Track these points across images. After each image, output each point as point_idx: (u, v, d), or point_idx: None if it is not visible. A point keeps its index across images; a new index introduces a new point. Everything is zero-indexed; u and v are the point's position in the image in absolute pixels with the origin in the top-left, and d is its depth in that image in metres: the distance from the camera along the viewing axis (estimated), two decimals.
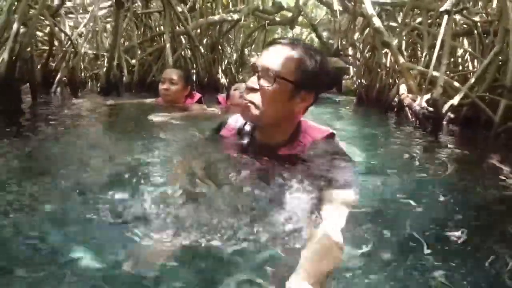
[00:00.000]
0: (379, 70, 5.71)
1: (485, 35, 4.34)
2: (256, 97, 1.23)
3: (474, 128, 3.52)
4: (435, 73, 3.57)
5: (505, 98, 2.93)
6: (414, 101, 3.63)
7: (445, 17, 3.26)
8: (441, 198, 1.44)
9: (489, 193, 1.59)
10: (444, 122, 3.52)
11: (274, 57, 1.22)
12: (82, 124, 2.47)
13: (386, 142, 2.78)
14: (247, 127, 1.41)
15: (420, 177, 1.73)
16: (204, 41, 7.08)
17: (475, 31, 4.47)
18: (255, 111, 1.24)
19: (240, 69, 8.63)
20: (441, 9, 3.05)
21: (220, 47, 7.51)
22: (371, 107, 5.35)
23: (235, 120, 1.46)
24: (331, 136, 1.35)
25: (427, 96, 3.57)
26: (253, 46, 9.60)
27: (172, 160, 1.57)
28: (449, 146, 2.75)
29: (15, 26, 2.72)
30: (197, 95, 3.27)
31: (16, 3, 3.09)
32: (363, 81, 6.41)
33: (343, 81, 8.77)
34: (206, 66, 6.77)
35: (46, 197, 1.19)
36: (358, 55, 6.23)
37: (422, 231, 1.09)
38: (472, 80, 3.52)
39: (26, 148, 1.79)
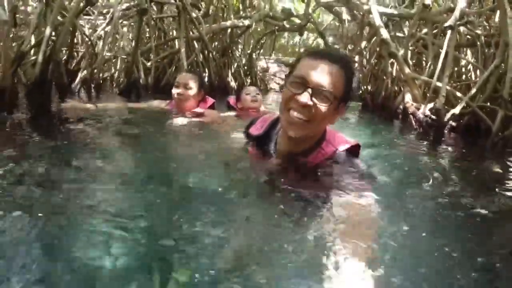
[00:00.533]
0: (384, 78, 5.90)
1: (488, 46, 4.53)
2: (309, 114, 1.27)
3: (475, 136, 3.71)
4: (438, 84, 3.77)
5: (503, 109, 3.11)
6: (418, 109, 3.82)
7: (449, 31, 3.45)
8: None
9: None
10: (446, 130, 3.71)
11: (328, 76, 1.26)
12: (107, 128, 2.62)
13: (391, 149, 2.97)
14: (274, 131, 1.47)
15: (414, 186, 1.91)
16: (215, 45, 7.31)
17: (478, 43, 4.67)
18: (307, 127, 1.29)
19: (248, 73, 8.85)
20: (445, 24, 3.26)
21: (230, 52, 7.73)
22: (377, 114, 5.53)
23: (263, 121, 1.53)
24: (356, 147, 1.40)
25: (431, 105, 3.76)
26: (261, 51, 9.81)
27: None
28: (449, 153, 2.94)
29: (47, 30, 2.94)
30: (210, 100, 3.21)
31: (44, 8, 3.32)
32: (368, 87, 6.61)
33: None
34: (218, 70, 6.99)
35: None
36: (364, 62, 6.43)
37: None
38: (473, 90, 3.71)
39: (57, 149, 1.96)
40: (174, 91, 3.05)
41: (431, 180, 1.88)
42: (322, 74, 1.26)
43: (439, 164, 2.48)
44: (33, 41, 3.34)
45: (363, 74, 6.54)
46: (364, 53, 6.25)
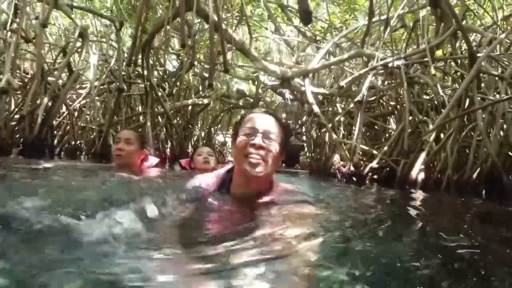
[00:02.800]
0: (325, 146, 6.95)
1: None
2: (264, 154, 1.54)
3: (390, 183, 4.61)
4: (359, 145, 4.76)
5: (403, 158, 4.08)
6: (344, 166, 4.75)
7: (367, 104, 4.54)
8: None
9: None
10: (367, 180, 4.61)
11: (270, 123, 1.59)
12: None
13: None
14: (225, 182, 1.68)
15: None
16: (177, 120, 8.19)
17: (396, 112, 5.89)
18: (265, 165, 1.55)
19: (207, 145, 9.71)
20: (355, 100, 4.32)
21: (191, 126, 8.64)
22: (319, 176, 6.44)
23: (211, 176, 1.74)
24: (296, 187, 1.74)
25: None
26: (219, 126, 10.83)
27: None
28: (363, 193, 3.78)
29: (45, 100, 3.65)
30: (155, 160, 3.12)
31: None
32: (313, 155, 7.63)
33: (300, 158, 10.04)
34: (179, 141, 7.79)
35: None
36: (307, 133, 7.52)
37: None
38: (385, 148, 4.73)
39: None
40: (114, 147, 2.89)
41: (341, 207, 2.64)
42: (266, 122, 1.60)
43: (354, 198, 3.29)
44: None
45: (307, 143, 7.61)
46: (306, 124, 7.35)
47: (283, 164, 12.55)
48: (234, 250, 1.12)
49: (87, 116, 6.19)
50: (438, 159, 4.06)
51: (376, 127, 7.07)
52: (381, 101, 6.53)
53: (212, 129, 9.94)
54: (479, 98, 3.90)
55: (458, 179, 3.53)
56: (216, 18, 4.14)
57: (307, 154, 8.90)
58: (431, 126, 4.37)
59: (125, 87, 4.70)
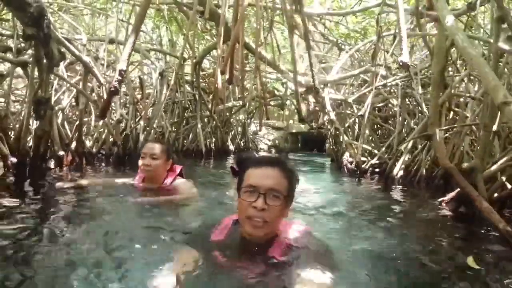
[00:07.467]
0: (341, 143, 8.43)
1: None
2: (266, 215, 1.46)
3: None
4: (364, 146, 6.26)
5: (392, 158, 5.55)
6: (351, 163, 6.28)
7: (362, 118, 6.01)
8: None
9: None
10: (368, 173, 6.09)
11: (273, 179, 1.49)
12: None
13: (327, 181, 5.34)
14: (237, 231, 1.58)
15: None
16: (219, 119, 9.90)
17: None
18: (268, 227, 1.49)
19: (242, 139, 11.46)
20: (358, 114, 5.78)
21: (230, 123, 10.34)
22: (337, 165, 7.96)
23: (224, 226, 1.65)
24: (307, 231, 1.67)
25: (363, 158, 6.21)
26: (252, 119, 12.49)
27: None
28: (363, 185, 5.30)
29: (142, 123, 5.36)
30: (178, 167, 3.10)
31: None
32: (334, 147, 9.16)
33: (326, 145, 11.62)
34: (222, 136, 9.53)
35: None
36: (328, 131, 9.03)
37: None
38: (383, 148, 6.19)
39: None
40: (141, 162, 2.92)
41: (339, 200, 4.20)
42: (268, 179, 1.48)
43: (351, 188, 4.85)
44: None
45: (327, 138, 9.13)
46: (325, 124, 8.85)
47: (315, 150, 14.05)
48: None
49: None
50: (416, 160, 5.48)
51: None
52: (389, 105, 7.90)
53: (246, 123, 11.63)
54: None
55: (427, 176, 4.98)
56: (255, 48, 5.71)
57: (329, 145, 10.44)
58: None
59: (188, 106, 6.42)
